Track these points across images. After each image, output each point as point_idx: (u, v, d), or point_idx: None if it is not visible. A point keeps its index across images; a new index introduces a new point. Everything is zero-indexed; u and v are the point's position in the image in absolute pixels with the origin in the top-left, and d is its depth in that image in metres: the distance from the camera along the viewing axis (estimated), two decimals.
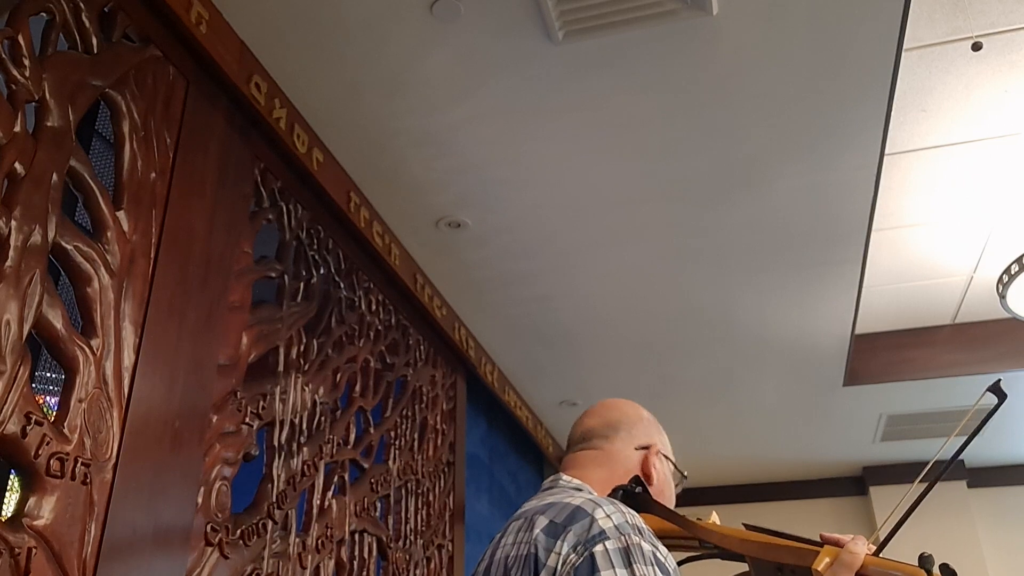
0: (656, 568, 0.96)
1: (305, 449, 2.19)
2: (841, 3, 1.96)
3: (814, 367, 3.95)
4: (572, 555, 0.97)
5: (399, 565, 2.71)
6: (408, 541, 2.81)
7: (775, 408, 4.47)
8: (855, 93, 2.23)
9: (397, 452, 2.82)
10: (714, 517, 1.26)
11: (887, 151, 2.52)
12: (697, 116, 2.32)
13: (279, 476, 2.05)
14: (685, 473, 1.40)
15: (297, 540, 2.09)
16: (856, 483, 5.47)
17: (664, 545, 1.15)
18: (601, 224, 2.83)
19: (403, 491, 2.84)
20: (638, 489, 1.21)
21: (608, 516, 1.02)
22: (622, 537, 0.98)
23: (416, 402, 3.04)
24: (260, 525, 1.94)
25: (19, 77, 1.41)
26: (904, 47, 2.12)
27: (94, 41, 1.60)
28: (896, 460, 5.22)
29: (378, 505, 2.63)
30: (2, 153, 1.35)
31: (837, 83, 2.20)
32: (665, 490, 1.32)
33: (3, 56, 1.39)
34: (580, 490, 1.20)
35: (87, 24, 1.59)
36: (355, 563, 2.40)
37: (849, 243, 2.96)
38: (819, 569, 1.08)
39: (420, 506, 2.96)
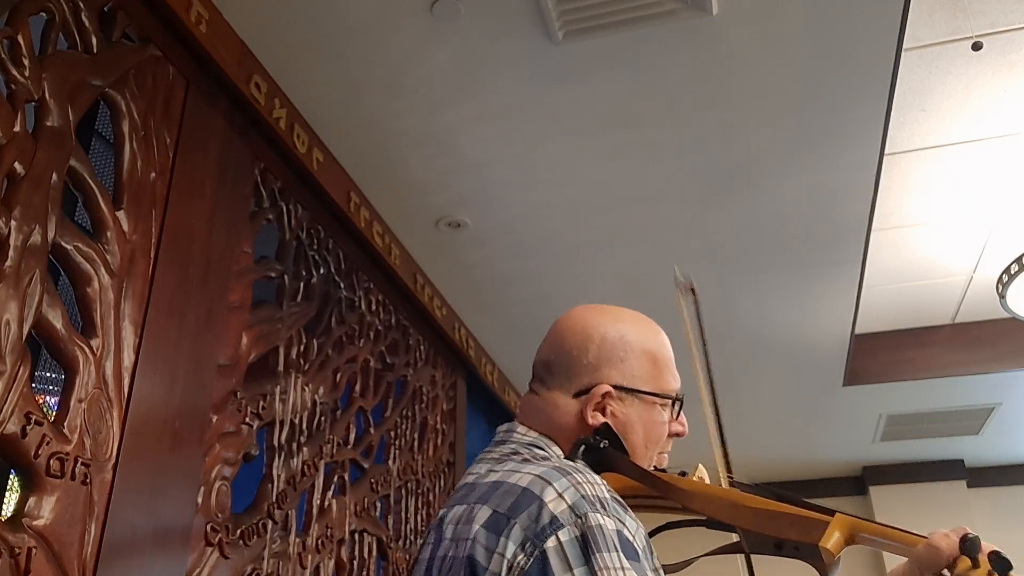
0: (619, 553, 0.79)
1: (305, 449, 2.19)
2: (841, 3, 1.96)
3: (814, 367, 3.95)
4: (520, 555, 0.81)
5: (399, 565, 2.71)
6: (408, 541, 2.81)
7: (775, 408, 4.47)
8: (855, 93, 2.23)
9: (397, 452, 2.82)
10: (700, 472, 1.07)
11: (887, 151, 2.52)
12: (697, 116, 2.32)
13: (279, 476, 2.05)
14: (678, 394, 1.10)
15: (297, 540, 2.09)
16: (856, 483, 5.47)
17: (643, 506, 1.01)
18: (601, 224, 2.83)
19: (403, 491, 2.84)
20: (603, 443, 0.98)
21: (560, 495, 0.83)
22: (578, 521, 0.81)
23: (416, 402, 3.04)
24: (260, 525, 1.94)
25: (19, 77, 1.41)
26: (904, 47, 2.11)
27: (94, 41, 1.60)
28: (896, 460, 5.22)
29: (378, 505, 2.63)
30: (2, 153, 1.35)
31: (837, 83, 2.20)
32: (638, 435, 1.03)
33: (3, 56, 1.39)
34: (534, 451, 0.99)
35: (87, 24, 1.59)
36: (355, 563, 2.40)
37: (849, 243, 2.96)
38: (828, 548, 0.90)
39: (420, 506, 2.96)
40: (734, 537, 1.01)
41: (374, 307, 2.76)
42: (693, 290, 1.18)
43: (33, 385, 1.35)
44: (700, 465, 1.07)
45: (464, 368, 3.58)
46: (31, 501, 1.31)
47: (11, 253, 1.34)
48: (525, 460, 0.95)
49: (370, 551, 2.51)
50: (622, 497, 0.91)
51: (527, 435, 1.03)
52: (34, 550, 1.28)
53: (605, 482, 0.89)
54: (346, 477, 2.42)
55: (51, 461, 1.34)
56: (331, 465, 2.34)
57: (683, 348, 1.16)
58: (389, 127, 2.34)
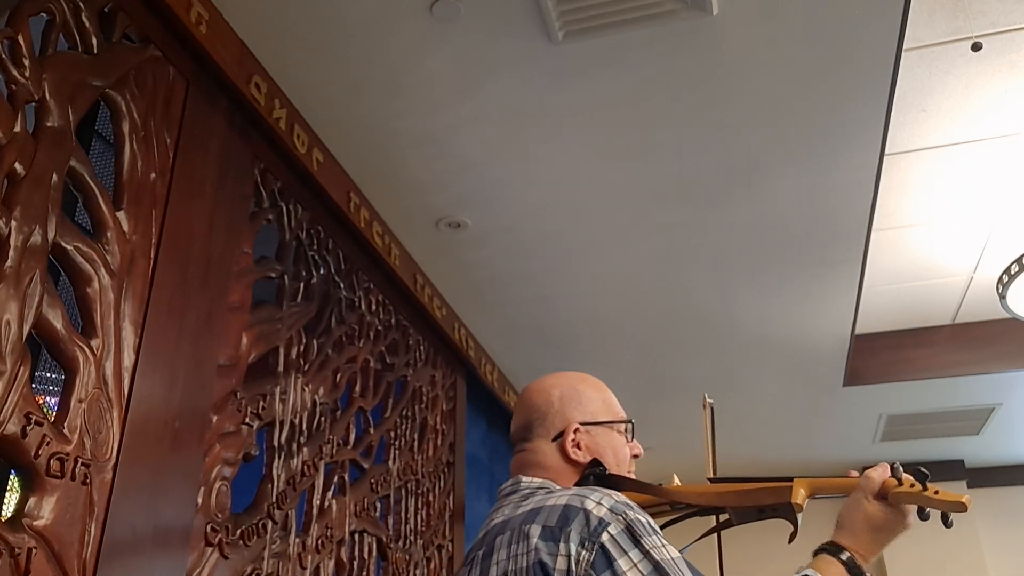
0: (656, 536, 1.00)
1: (305, 449, 2.19)
2: (841, 3, 1.96)
3: (814, 367, 3.95)
4: (583, 552, 0.98)
5: (399, 565, 2.71)
6: (408, 541, 2.81)
7: (775, 408, 4.47)
8: (855, 93, 2.23)
9: (397, 452, 2.82)
10: (676, 480, 1.29)
11: (887, 151, 2.52)
12: (697, 116, 2.32)
13: (279, 476, 2.05)
14: (628, 419, 1.34)
15: (297, 540, 2.09)
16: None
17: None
18: (601, 224, 2.83)
19: (403, 491, 2.84)
20: (600, 469, 1.22)
21: (599, 503, 1.03)
22: (619, 518, 1.01)
23: (416, 402, 3.04)
24: (260, 525, 1.94)
25: (19, 77, 1.41)
26: (904, 47, 2.11)
27: (94, 41, 1.60)
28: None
29: (378, 505, 2.63)
30: (2, 153, 1.35)
31: (837, 83, 2.20)
32: (609, 458, 1.27)
33: (3, 56, 1.39)
34: (550, 490, 1.18)
35: (87, 24, 1.59)
36: (355, 563, 2.40)
37: (849, 243, 2.96)
38: (798, 502, 1.15)
39: (420, 506, 2.96)
40: (715, 521, 1.29)
41: (374, 307, 2.76)
42: (711, 408, 1.50)
43: (33, 385, 1.35)
44: (674, 475, 1.30)
45: (464, 368, 3.58)
46: (31, 501, 1.31)
47: (11, 253, 1.34)
48: (549, 492, 1.15)
49: (370, 551, 2.51)
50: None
51: (533, 482, 1.23)
52: (34, 550, 1.28)
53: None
54: (346, 477, 2.42)
55: (51, 461, 1.34)
56: (331, 465, 2.34)
57: (699, 449, 1.46)
58: (389, 127, 2.34)
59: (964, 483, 5.20)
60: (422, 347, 3.16)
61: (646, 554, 0.97)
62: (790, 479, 1.16)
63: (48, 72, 1.47)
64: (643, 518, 1.02)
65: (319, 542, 2.20)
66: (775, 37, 2.05)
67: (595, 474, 1.21)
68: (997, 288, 3.24)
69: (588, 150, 2.46)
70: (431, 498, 3.08)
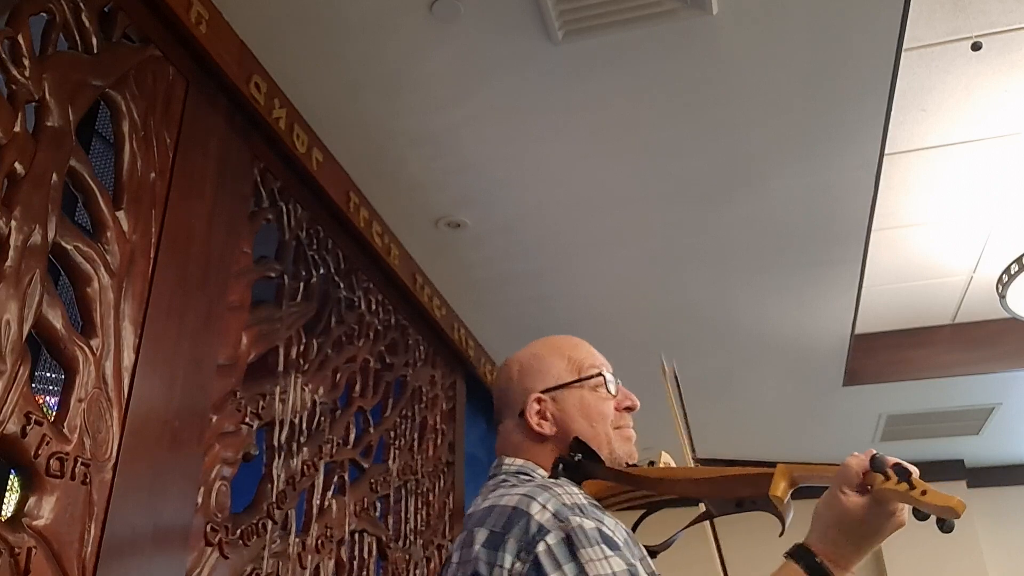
0: (602, 546, 0.91)
1: (305, 449, 2.19)
2: (841, 3, 1.96)
3: (814, 367, 3.95)
4: (517, 563, 0.92)
5: (399, 565, 2.71)
6: (408, 541, 2.81)
7: (775, 408, 4.47)
8: (855, 93, 2.23)
9: (397, 452, 2.82)
10: (665, 457, 1.19)
11: (887, 151, 2.52)
12: (697, 116, 2.32)
13: (279, 476, 2.05)
14: (596, 372, 1.19)
15: (297, 540, 2.09)
16: None
17: (620, 503, 1.13)
18: (601, 224, 2.83)
19: (403, 491, 2.84)
20: (578, 457, 1.11)
21: (544, 507, 0.95)
22: (561, 525, 0.93)
23: (416, 402, 3.04)
24: (260, 525, 1.94)
25: (19, 77, 1.41)
26: (904, 47, 2.11)
27: (94, 41, 1.60)
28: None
29: (378, 505, 2.63)
30: (2, 153, 1.35)
31: (837, 83, 2.20)
32: (580, 422, 1.15)
33: (3, 56, 1.39)
34: (520, 478, 1.11)
35: (87, 24, 1.59)
36: (355, 563, 2.40)
37: (849, 243, 2.96)
38: (777, 495, 1.00)
39: (420, 506, 2.96)
40: (702, 508, 1.14)
41: (373, 307, 2.76)
42: (676, 376, 1.35)
43: (33, 385, 1.35)
44: (663, 452, 1.20)
45: (463, 368, 3.58)
46: (31, 501, 1.31)
47: (11, 253, 1.34)
48: (513, 485, 1.06)
49: (370, 551, 2.51)
50: (602, 499, 1.09)
51: (513, 464, 1.16)
52: (34, 550, 1.28)
53: (583, 491, 1.03)
54: (346, 477, 2.42)
55: (51, 461, 1.34)
56: (331, 465, 2.34)
57: (669, 421, 1.34)
58: (389, 127, 2.34)
59: (964, 483, 5.20)
60: (421, 347, 3.16)
61: (581, 569, 0.89)
62: (774, 464, 1.03)
63: (48, 72, 1.47)
64: (588, 525, 0.93)
65: (319, 542, 2.20)
66: (775, 37, 2.05)
67: (564, 462, 1.11)
68: (997, 288, 3.24)
69: (588, 150, 2.46)
70: (431, 498, 3.08)
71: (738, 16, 1.98)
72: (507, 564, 0.92)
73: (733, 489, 1.05)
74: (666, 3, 1.94)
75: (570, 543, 0.91)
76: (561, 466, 1.10)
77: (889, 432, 4.78)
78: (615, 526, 0.98)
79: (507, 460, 1.16)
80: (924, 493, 0.89)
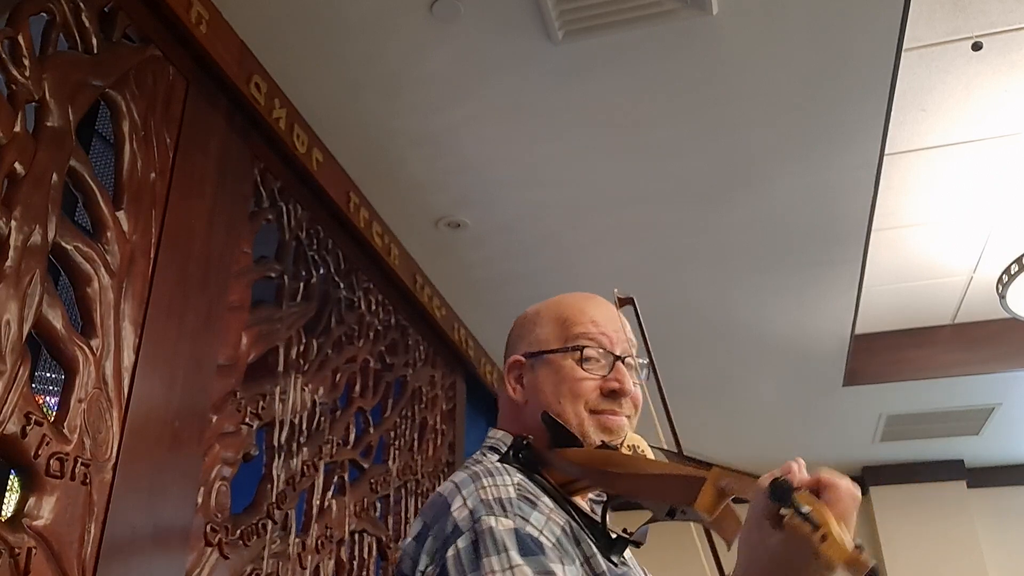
0: (510, 552, 0.80)
1: (305, 449, 2.19)
2: (841, 3, 1.95)
3: (814, 367, 3.95)
4: (430, 566, 0.84)
5: None
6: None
7: (775, 408, 4.47)
8: (855, 93, 2.23)
9: (397, 452, 2.82)
10: (633, 439, 0.99)
11: (887, 151, 2.52)
12: (697, 116, 2.32)
13: (279, 476, 2.05)
14: (575, 345, 1.03)
15: (297, 540, 2.09)
16: (856, 483, 5.44)
17: (581, 487, 0.98)
18: (601, 224, 2.83)
19: (403, 491, 2.84)
20: (526, 442, 0.98)
21: (464, 503, 0.86)
22: (474, 526, 0.83)
23: (416, 402, 3.04)
24: (260, 525, 1.94)
25: (19, 77, 1.41)
26: (904, 47, 2.11)
27: (94, 41, 1.60)
28: (896, 460, 5.22)
29: (378, 505, 2.63)
30: (2, 153, 1.35)
31: (837, 83, 2.20)
32: (548, 395, 1.01)
33: (3, 56, 1.39)
34: (483, 455, 1.02)
35: (87, 24, 1.59)
36: (355, 563, 2.40)
37: (849, 243, 2.96)
38: (702, 510, 0.80)
39: (419, 506, 2.96)
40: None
41: (373, 307, 2.76)
42: (633, 302, 1.14)
43: (33, 385, 1.35)
44: (630, 432, 1.01)
45: (463, 368, 3.58)
46: (31, 501, 1.31)
47: (11, 253, 1.34)
48: (466, 466, 0.97)
49: (370, 551, 2.51)
50: (573, 482, 0.95)
51: (492, 438, 1.06)
52: (34, 550, 1.28)
53: (517, 480, 0.90)
54: (346, 477, 2.42)
55: (51, 461, 1.34)
56: (331, 465, 2.33)
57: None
58: (389, 127, 2.34)
59: (964, 483, 5.20)
60: (422, 347, 3.16)
61: None
62: (710, 466, 0.82)
63: (48, 72, 1.47)
64: (502, 526, 0.82)
65: (319, 542, 2.20)
66: (775, 37, 2.05)
67: (516, 446, 0.98)
68: (997, 288, 3.23)
69: (588, 150, 2.46)
70: None
71: (738, 16, 1.98)
72: (422, 566, 0.85)
73: (663, 493, 0.88)
74: (666, 3, 1.94)
75: (476, 548, 0.81)
76: (513, 450, 0.99)
77: (889, 432, 4.77)
78: (545, 524, 0.86)
79: (491, 432, 1.07)
80: (824, 539, 0.66)
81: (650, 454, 0.98)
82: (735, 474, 0.80)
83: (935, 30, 2.26)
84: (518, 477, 0.92)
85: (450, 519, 0.85)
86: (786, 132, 2.39)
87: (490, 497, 0.86)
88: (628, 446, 0.97)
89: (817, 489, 0.73)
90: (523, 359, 1.06)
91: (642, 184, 2.62)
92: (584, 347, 1.04)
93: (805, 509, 0.69)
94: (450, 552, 0.82)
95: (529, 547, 0.82)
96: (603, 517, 0.96)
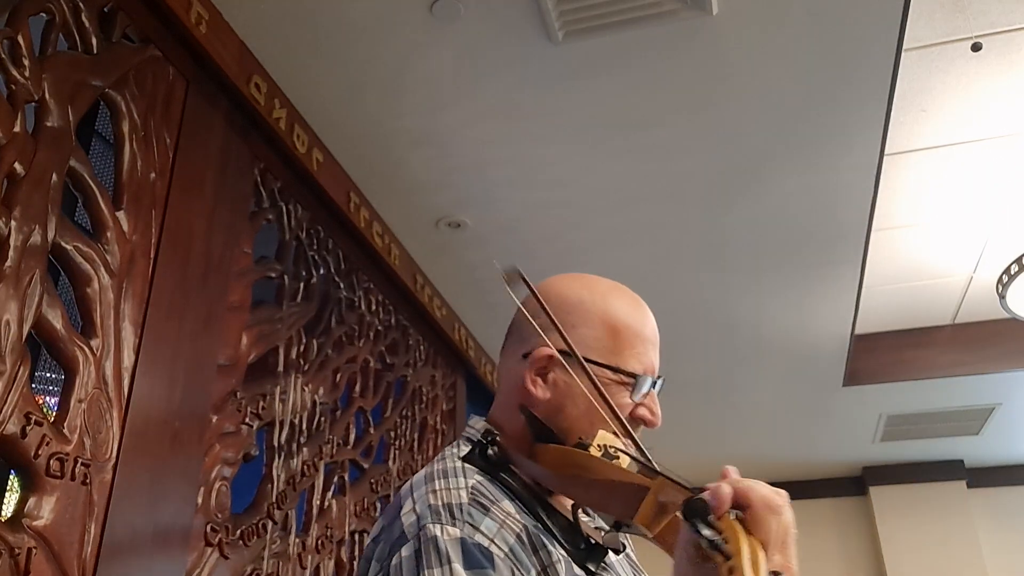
0: (451, 565, 0.74)
1: (305, 449, 2.19)
2: (841, 3, 1.95)
3: (814, 367, 3.95)
4: (380, 573, 0.78)
5: None
6: None
7: (775, 408, 4.47)
8: (855, 93, 2.23)
9: (397, 452, 2.82)
10: (602, 438, 0.85)
11: (887, 151, 2.52)
12: (697, 116, 2.32)
13: (279, 476, 2.05)
14: (635, 372, 0.91)
15: (297, 540, 2.09)
16: (856, 483, 5.46)
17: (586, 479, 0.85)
18: (601, 224, 2.83)
19: None
20: (491, 450, 0.90)
21: (413, 507, 0.81)
22: (419, 534, 0.77)
23: (416, 402, 3.04)
24: (260, 525, 1.94)
25: (19, 77, 1.41)
26: (904, 47, 2.11)
27: (94, 41, 1.60)
28: (896, 460, 5.22)
29: (378, 505, 2.63)
30: (2, 153, 1.35)
31: (837, 83, 2.20)
32: (579, 408, 0.90)
33: (3, 56, 1.39)
34: (453, 449, 0.95)
35: (87, 24, 1.59)
36: (355, 563, 2.39)
37: (849, 243, 2.96)
38: (643, 527, 0.72)
39: None
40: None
41: (374, 307, 2.76)
42: (523, 276, 0.93)
43: (33, 385, 1.35)
44: (600, 430, 0.87)
45: (464, 368, 3.58)
46: (31, 501, 1.31)
47: (11, 253, 1.34)
48: (432, 462, 0.91)
49: None
50: (558, 480, 0.86)
51: (471, 428, 0.99)
52: (34, 550, 1.28)
53: (472, 483, 0.84)
54: (346, 477, 2.42)
55: (51, 461, 1.34)
56: (331, 465, 2.34)
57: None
58: (389, 127, 2.34)
59: (964, 483, 5.20)
60: (422, 347, 3.16)
61: None
62: (656, 475, 0.73)
63: (48, 72, 1.47)
64: (449, 535, 0.76)
65: (319, 542, 2.20)
66: (775, 37, 2.05)
67: (481, 448, 0.90)
68: (997, 288, 3.23)
69: (588, 150, 2.46)
70: None
71: (738, 16, 1.98)
72: (372, 572, 0.80)
73: (608, 502, 0.79)
74: (666, 3, 1.94)
75: (418, 560, 0.75)
76: (477, 452, 0.91)
77: (889, 432, 4.78)
78: (497, 532, 0.79)
79: (471, 420, 0.98)
80: (731, 573, 0.59)
81: (625, 460, 0.84)
82: (675, 486, 0.70)
83: (935, 30, 2.26)
84: (474, 480, 0.85)
85: (398, 523, 0.80)
86: (786, 132, 2.39)
87: (439, 502, 0.80)
88: (599, 444, 0.86)
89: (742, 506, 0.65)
90: (557, 355, 0.91)
91: (642, 184, 2.62)
92: (638, 376, 0.92)
93: (713, 536, 0.61)
94: (394, 561, 0.77)
95: (475, 559, 0.75)
96: (574, 518, 0.89)
